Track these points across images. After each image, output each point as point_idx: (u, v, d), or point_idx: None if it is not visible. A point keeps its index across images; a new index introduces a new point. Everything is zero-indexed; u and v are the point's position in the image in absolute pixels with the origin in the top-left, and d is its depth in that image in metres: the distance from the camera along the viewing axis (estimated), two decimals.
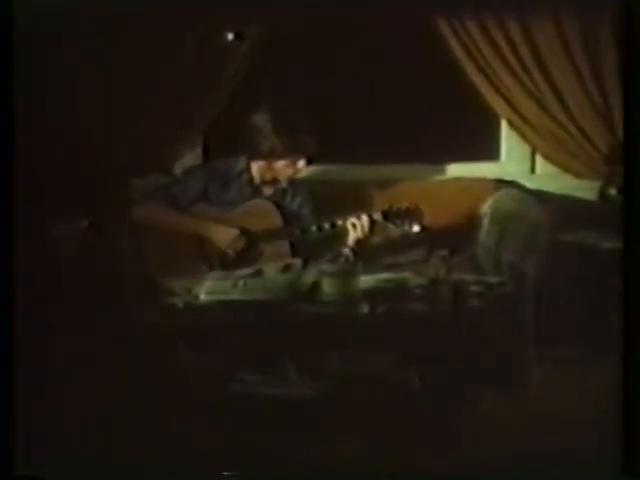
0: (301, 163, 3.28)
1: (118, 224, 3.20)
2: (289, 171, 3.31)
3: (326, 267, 2.81)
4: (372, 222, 3.15)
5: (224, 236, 3.23)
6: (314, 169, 3.53)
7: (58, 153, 3.22)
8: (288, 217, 3.30)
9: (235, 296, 2.82)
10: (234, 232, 3.23)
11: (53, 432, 2.61)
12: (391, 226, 3.15)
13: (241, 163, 3.36)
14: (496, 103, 3.50)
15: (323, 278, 2.80)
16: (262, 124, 3.22)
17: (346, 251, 2.85)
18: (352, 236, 3.14)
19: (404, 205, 3.15)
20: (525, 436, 2.76)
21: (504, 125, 3.65)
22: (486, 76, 3.46)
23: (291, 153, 3.24)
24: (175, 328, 2.77)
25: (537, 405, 2.90)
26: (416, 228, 3.13)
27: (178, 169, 3.57)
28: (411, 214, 3.14)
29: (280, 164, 3.28)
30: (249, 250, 3.22)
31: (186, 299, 2.82)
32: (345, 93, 3.60)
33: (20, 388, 2.57)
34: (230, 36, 3.32)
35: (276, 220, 3.27)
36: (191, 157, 3.63)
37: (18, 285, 2.60)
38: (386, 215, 3.16)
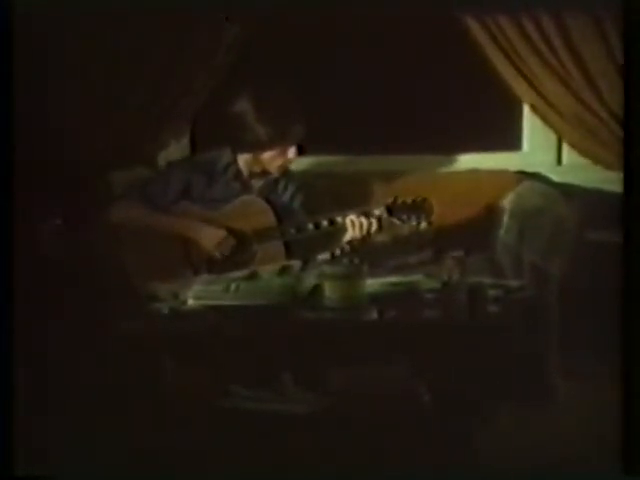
0: (292, 152, 3.20)
1: (96, 221, 3.16)
2: (279, 161, 3.22)
3: (328, 269, 2.72)
4: (377, 219, 3.06)
5: (210, 237, 3.15)
6: (311, 161, 3.49)
7: (57, 152, 3.28)
8: (281, 214, 3.21)
9: (227, 301, 2.71)
10: (221, 233, 3.15)
11: (53, 432, 2.62)
12: (397, 222, 3.07)
13: (226, 156, 3.27)
14: (518, 86, 3.45)
15: (325, 281, 2.70)
16: (244, 113, 3.15)
17: (347, 249, 2.81)
18: (349, 235, 3.07)
19: (410, 198, 3.05)
20: (526, 437, 2.79)
21: (527, 110, 3.60)
22: (507, 56, 3.39)
23: (278, 142, 3.16)
24: (160, 337, 2.68)
25: (540, 406, 2.94)
26: (424, 224, 3.05)
27: (162, 161, 3.54)
28: (419, 208, 3.04)
29: (268, 155, 3.20)
30: (240, 253, 3.15)
31: (172, 304, 2.72)
32: (348, 78, 3.57)
33: (20, 388, 2.56)
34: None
35: (269, 218, 3.19)
36: (177, 148, 3.60)
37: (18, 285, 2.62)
38: (390, 210, 3.06)
